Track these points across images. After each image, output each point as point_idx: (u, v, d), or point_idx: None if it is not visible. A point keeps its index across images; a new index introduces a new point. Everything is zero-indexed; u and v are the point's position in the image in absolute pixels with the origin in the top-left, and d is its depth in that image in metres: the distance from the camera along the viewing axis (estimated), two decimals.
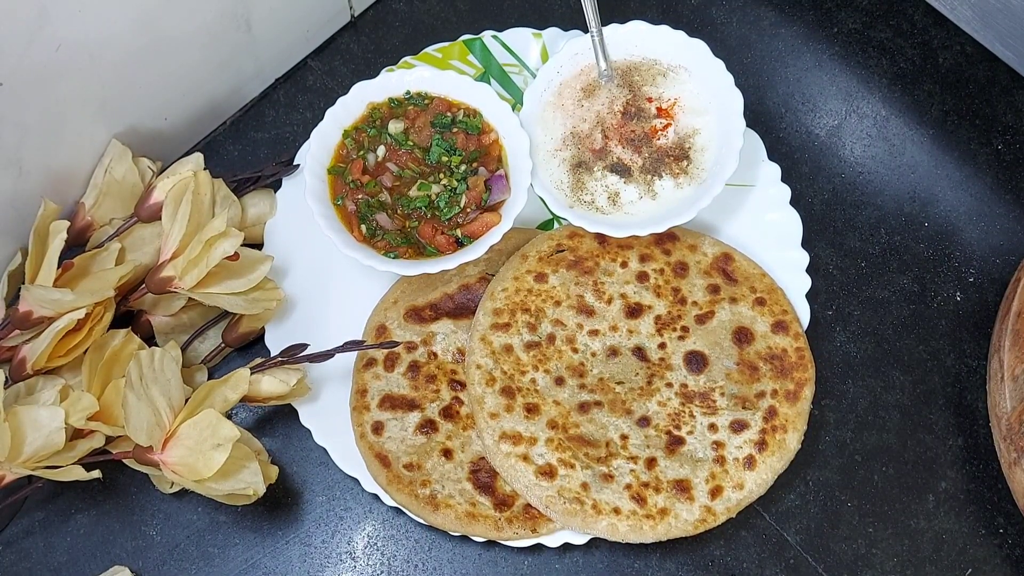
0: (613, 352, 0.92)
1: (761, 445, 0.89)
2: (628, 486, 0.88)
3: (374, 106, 0.97)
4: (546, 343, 0.92)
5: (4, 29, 0.80)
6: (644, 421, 0.90)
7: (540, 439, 0.89)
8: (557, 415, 0.90)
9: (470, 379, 0.91)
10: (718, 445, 0.89)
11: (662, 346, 0.92)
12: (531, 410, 0.90)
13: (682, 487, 0.88)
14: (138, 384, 0.83)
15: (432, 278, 0.95)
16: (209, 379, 0.93)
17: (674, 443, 0.89)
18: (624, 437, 0.89)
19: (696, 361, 0.92)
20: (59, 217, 0.93)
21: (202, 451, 0.83)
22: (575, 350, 0.92)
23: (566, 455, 0.88)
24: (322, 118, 0.95)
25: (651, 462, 0.88)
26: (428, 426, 0.91)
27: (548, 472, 0.88)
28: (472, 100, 0.97)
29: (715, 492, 0.88)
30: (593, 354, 0.92)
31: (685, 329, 0.93)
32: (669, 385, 0.91)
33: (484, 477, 0.90)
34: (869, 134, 1.04)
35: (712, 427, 0.90)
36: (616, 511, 0.87)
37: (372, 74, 1.01)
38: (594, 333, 0.92)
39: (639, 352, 0.92)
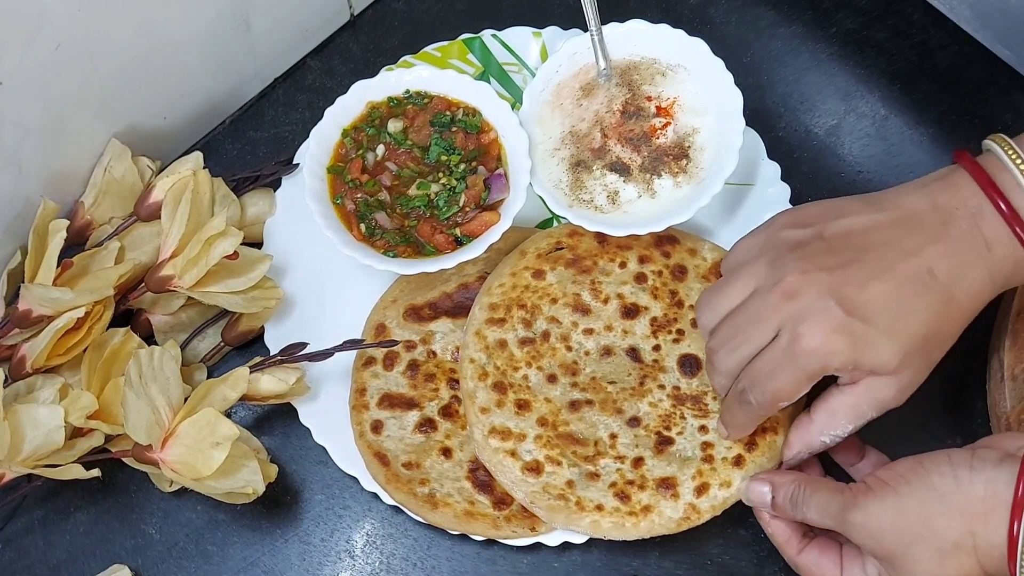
0: (607, 352, 0.92)
1: (751, 445, 0.88)
2: (613, 484, 0.87)
3: (373, 105, 0.97)
4: (540, 340, 0.92)
5: (4, 29, 0.80)
6: (635, 421, 0.89)
7: (529, 435, 0.89)
8: (548, 412, 0.90)
9: (463, 373, 0.91)
10: (707, 445, 0.88)
11: (656, 348, 0.92)
12: (522, 406, 0.90)
13: (667, 484, 0.87)
14: (137, 383, 0.84)
15: (431, 277, 0.95)
16: (208, 378, 0.93)
17: (663, 443, 0.89)
18: (613, 436, 0.89)
19: (690, 364, 0.91)
20: (58, 216, 0.93)
21: (201, 450, 0.83)
22: (569, 348, 0.92)
23: (554, 452, 0.88)
24: (321, 117, 0.95)
25: (638, 461, 0.88)
26: (427, 425, 0.91)
27: (535, 468, 0.87)
28: (471, 99, 0.97)
29: (701, 489, 0.87)
30: (587, 353, 0.92)
31: (680, 332, 0.92)
32: (661, 387, 0.91)
33: (483, 476, 0.90)
34: (868, 133, 1.03)
35: (702, 429, 0.89)
36: (599, 508, 0.86)
37: (371, 73, 1.01)
38: (589, 332, 0.92)
39: (633, 353, 0.92)
